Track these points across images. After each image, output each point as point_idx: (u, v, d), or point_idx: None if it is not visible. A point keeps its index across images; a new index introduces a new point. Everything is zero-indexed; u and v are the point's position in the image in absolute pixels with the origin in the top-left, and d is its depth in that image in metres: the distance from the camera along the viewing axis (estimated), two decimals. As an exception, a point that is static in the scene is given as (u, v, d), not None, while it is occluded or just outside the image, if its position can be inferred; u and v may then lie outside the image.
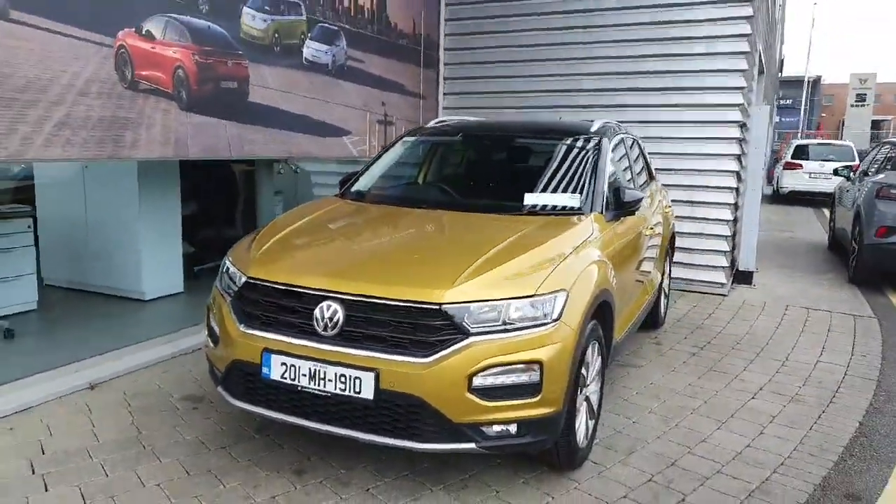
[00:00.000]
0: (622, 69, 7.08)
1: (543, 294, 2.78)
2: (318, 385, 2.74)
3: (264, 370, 2.85)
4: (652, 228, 4.51)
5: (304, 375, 2.76)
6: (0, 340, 4.60)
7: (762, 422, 3.83)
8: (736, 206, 7.31)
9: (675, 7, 6.79)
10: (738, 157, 6.95)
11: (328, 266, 3.03)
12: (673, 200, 6.88)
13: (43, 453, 3.15)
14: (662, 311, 5.65)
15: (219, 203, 7.19)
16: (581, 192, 3.72)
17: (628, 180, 4.46)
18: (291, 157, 5.84)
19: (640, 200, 3.80)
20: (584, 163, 3.92)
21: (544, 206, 3.65)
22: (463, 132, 4.53)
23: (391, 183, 4.25)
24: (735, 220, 7.37)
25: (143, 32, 4.34)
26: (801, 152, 18.23)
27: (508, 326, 2.72)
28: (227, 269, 3.21)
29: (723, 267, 7.01)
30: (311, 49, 5.91)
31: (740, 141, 7.12)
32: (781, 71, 28.96)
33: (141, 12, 4.31)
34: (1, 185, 6.60)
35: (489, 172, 4.39)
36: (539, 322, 2.75)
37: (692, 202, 6.99)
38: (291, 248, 3.26)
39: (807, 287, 7.52)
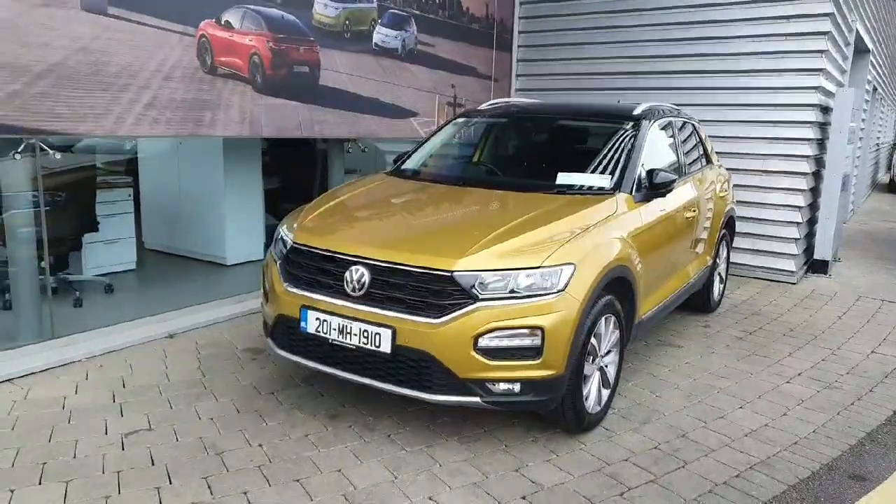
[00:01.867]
0: (695, 51, 7.00)
1: (549, 266, 3.00)
2: (346, 339, 3.10)
3: (302, 324, 3.24)
4: (695, 211, 4.56)
5: (335, 330, 3.13)
6: (102, 294, 5.28)
7: (788, 404, 3.87)
8: (814, 193, 7.11)
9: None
10: (817, 142, 6.75)
11: (360, 235, 3.37)
12: (740, 185, 6.81)
13: (123, 387, 3.70)
14: (716, 294, 5.66)
15: (300, 179, 7.73)
16: (612, 173, 3.86)
17: (672, 163, 4.53)
18: (359, 137, 6.21)
19: (672, 182, 3.90)
20: (620, 144, 4.06)
21: (575, 186, 3.83)
22: (508, 114, 4.74)
23: (436, 161, 4.53)
24: (812, 207, 7.17)
25: (223, 22, 4.82)
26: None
27: (515, 294, 2.96)
28: (279, 235, 3.62)
29: (792, 255, 6.85)
30: (381, 35, 6.26)
31: (822, 125, 6.90)
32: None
33: (221, 4, 4.78)
34: (107, 158, 7.37)
35: (529, 152, 4.60)
36: (544, 292, 2.97)
37: (760, 187, 6.85)
38: (332, 219, 3.62)
39: (890, 280, 7.20)
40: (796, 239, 6.83)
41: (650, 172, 3.88)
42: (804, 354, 4.75)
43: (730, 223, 5.69)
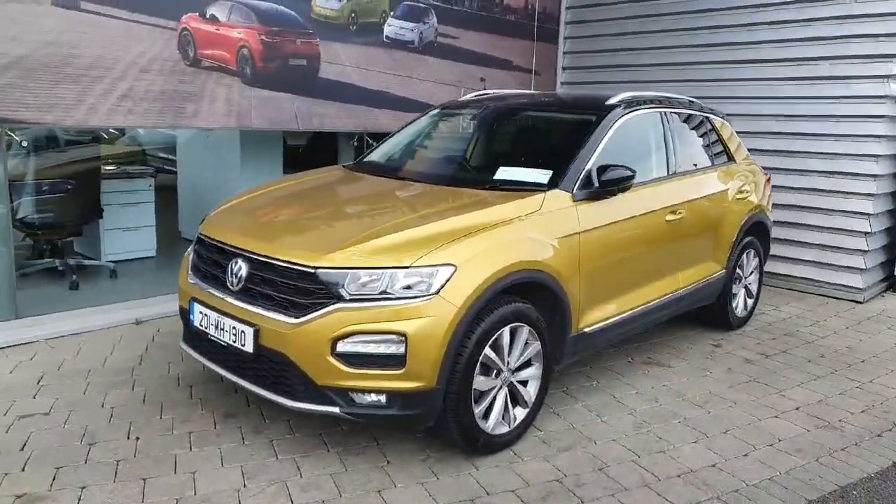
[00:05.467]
0: (750, 39, 6.26)
1: (421, 266, 2.70)
2: (220, 335, 2.96)
3: (191, 317, 3.15)
4: (681, 213, 4.00)
5: (212, 325, 3.00)
6: (105, 279, 5.51)
7: (757, 443, 3.28)
8: (893, 198, 6.15)
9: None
10: (893, 139, 5.83)
11: (248, 227, 3.22)
12: (793, 188, 6.02)
13: (58, 370, 3.78)
14: (739, 310, 4.99)
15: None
16: (555, 168, 3.45)
17: (651, 159, 4.01)
18: (367, 130, 6.08)
19: (626, 179, 3.43)
20: (573, 138, 3.62)
21: (511, 181, 3.46)
22: (482, 106, 4.41)
23: (397, 154, 4.28)
24: (892, 215, 6.20)
25: (207, 16, 4.85)
26: None
27: (387, 296, 2.69)
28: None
29: (859, 269, 5.93)
30: (394, 27, 6.08)
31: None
32: None
33: (203, -3, 4.81)
34: (132, 149, 7.74)
35: (487, 146, 4.25)
36: (413, 294, 2.68)
37: (822, 190, 6.00)
38: (240, 210, 3.49)
39: None
40: (864, 251, 5.90)
41: (601, 168, 3.43)
42: (820, 386, 4.05)
43: (758, 228, 4.98)
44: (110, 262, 5.72)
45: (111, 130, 8.48)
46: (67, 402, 3.38)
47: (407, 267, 2.69)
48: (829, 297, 6.03)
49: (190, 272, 3.30)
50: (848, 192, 5.87)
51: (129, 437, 3.06)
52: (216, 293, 3.03)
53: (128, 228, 6.04)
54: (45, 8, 4.13)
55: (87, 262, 5.63)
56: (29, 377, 3.66)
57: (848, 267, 5.98)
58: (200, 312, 3.06)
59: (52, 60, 4.15)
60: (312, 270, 2.72)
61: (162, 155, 9.13)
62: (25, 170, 5.49)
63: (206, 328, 3.03)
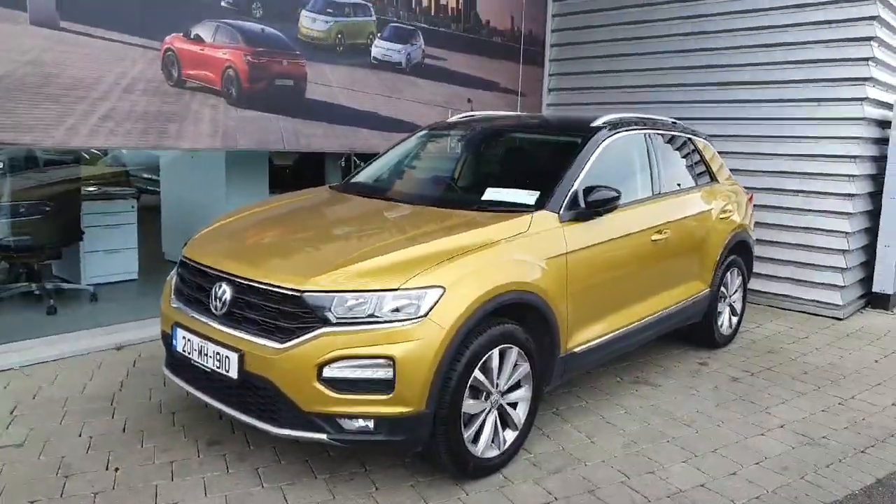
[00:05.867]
0: (730, 62, 6.36)
1: (410, 289, 2.67)
2: (203, 360, 2.91)
3: (174, 342, 3.09)
4: (665, 233, 4.02)
5: (196, 350, 2.95)
6: (85, 303, 5.41)
7: (745, 461, 3.28)
8: (872, 217, 6.25)
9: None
10: (871, 160, 5.95)
11: (232, 250, 3.17)
12: (775, 207, 6.09)
13: (33, 398, 3.68)
14: (724, 328, 5.01)
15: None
16: (542, 189, 3.45)
17: (636, 180, 4.03)
18: (355, 150, 6.07)
19: (612, 200, 3.44)
20: (559, 159, 3.64)
21: (498, 202, 3.45)
22: (468, 127, 4.43)
23: (384, 175, 4.27)
24: (868, 233, 6.29)
25: (192, 36, 4.83)
26: None
27: (374, 319, 2.66)
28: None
29: (839, 286, 6.00)
30: (381, 48, 6.10)
31: (877, 140, 6.07)
32: None
33: (189, 19, 4.79)
34: (114, 170, 7.66)
35: (474, 167, 4.26)
36: (401, 318, 2.65)
37: (800, 209, 6.08)
38: (225, 232, 3.45)
39: (965, 319, 6.16)
40: (843, 269, 5.97)
41: (587, 189, 3.44)
42: (804, 403, 4.07)
43: (741, 247, 5.03)
44: (90, 285, 5.62)
45: (93, 150, 8.40)
46: (43, 433, 3.28)
47: (395, 289, 2.67)
48: (809, 313, 6.09)
49: (173, 296, 3.24)
50: (825, 211, 5.96)
51: (107, 468, 2.98)
52: (200, 317, 2.97)
53: (109, 251, 5.95)
54: (24, 27, 4.08)
55: (65, 285, 5.53)
56: (2, 407, 3.55)
57: (827, 284, 6.05)
58: (183, 337, 3.01)
59: (32, 80, 4.10)
60: (299, 294, 2.69)
61: (144, 175, 9.06)
62: (1, 191, 5.41)
63: (189, 353, 2.98)
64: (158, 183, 7.47)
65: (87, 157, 8.31)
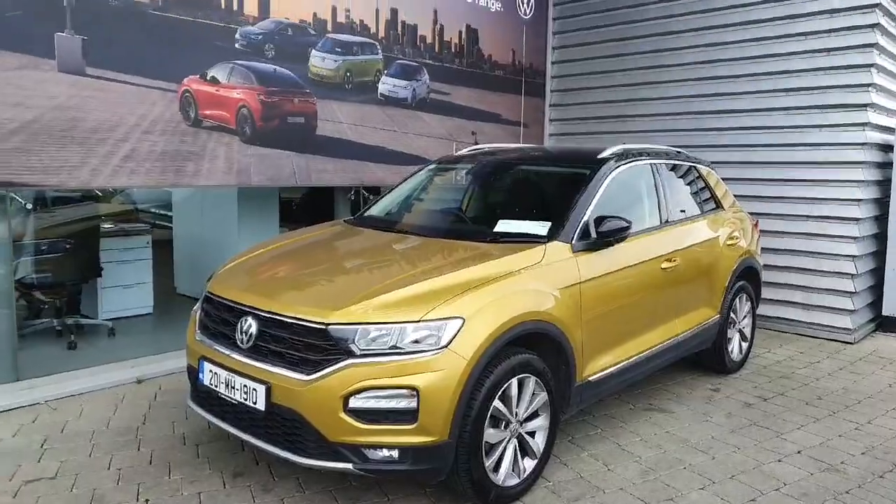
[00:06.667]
0: (733, 90, 6.51)
1: (431, 320, 2.76)
2: (231, 393, 2.98)
3: (200, 375, 3.17)
4: (675, 261, 4.11)
5: (222, 383, 3.02)
6: (103, 338, 5.49)
7: (764, 488, 3.32)
8: (879, 241, 6.33)
9: (791, 21, 6.12)
10: (876, 184, 6.06)
11: (257, 284, 3.27)
12: (783, 233, 6.18)
13: (61, 432, 3.75)
14: (735, 354, 5.07)
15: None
16: (553, 220, 3.55)
17: (644, 210, 4.13)
18: (364, 184, 6.20)
19: (623, 230, 3.54)
20: (569, 191, 3.74)
21: (511, 233, 3.55)
22: (476, 161, 4.55)
23: (396, 208, 4.38)
24: (877, 257, 6.37)
25: (208, 78, 4.98)
26: None
27: (397, 351, 2.74)
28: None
29: (848, 310, 6.06)
30: (388, 85, 6.27)
31: (880, 165, 6.19)
32: None
33: (205, 61, 4.95)
34: (127, 207, 7.80)
35: (484, 199, 4.37)
36: (424, 348, 2.73)
37: (807, 234, 6.17)
38: (247, 267, 3.55)
39: (974, 341, 6.20)
40: (852, 293, 6.04)
41: (598, 220, 3.54)
42: (819, 428, 4.10)
43: (749, 273, 5.11)
44: (108, 320, 5.71)
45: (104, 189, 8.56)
46: (73, 465, 3.35)
47: (416, 321, 2.75)
48: (819, 338, 6.14)
49: (198, 330, 3.33)
50: (833, 236, 6.05)
51: (137, 499, 3.04)
52: (225, 351, 3.06)
53: (125, 286, 6.06)
54: (52, 74, 4.24)
55: (84, 321, 5.62)
56: (32, 440, 3.63)
57: (837, 308, 6.11)
58: (210, 371, 3.09)
59: (58, 124, 4.24)
60: (324, 327, 2.77)
61: (154, 211, 9.21)
62: (24, 230, 5.53)
63: (215, 386, 3.05)
64: (166, 218, 7.61)
65: (99, 194, 8.49)
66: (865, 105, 5.81)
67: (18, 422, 3.87)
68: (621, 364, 3.72)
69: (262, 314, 2.97)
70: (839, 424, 4.17)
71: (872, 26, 5.72)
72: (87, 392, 4.32)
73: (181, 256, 7.18)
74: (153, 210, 9.53)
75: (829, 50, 5.94)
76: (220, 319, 3.20)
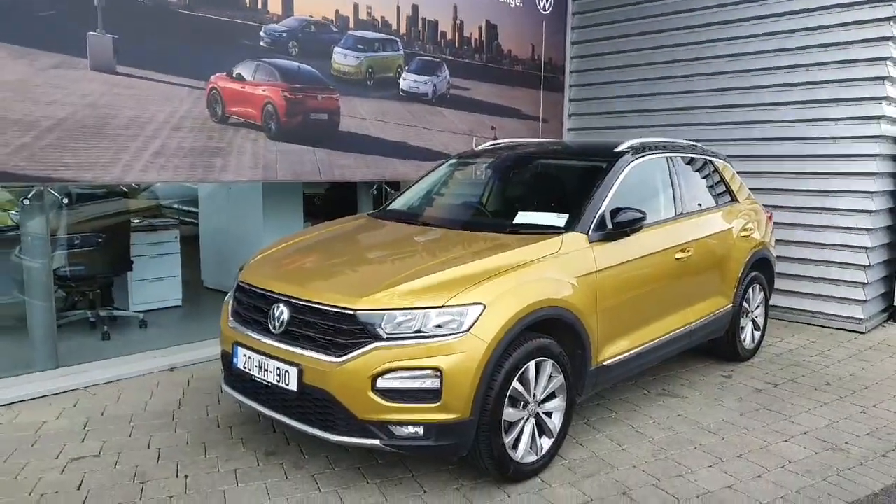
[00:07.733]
0: (750, 84, 6.59)
1: (454, 305, 2.92)
2: (264, 375, 3.17)
3: (234, 360, 3.36)
4: (688, 251, 4.24)
5: (256, 367, 3.21)
6: (135, 329, 5.72)
7: (769, 465, 3.46)
8: (890, 231, 6.41)
9: (808, 14, 6.19)
10: (890, 176, 6.13)
11: (288, 273, 3.45)
12: (797, 224, 6.28)
13: (102, 415, 3.97)
14: (747, 343, 5.19)
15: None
16: (571, 212, 3.70)
17: (660, 201, 4.26)
18: (386, 179, 6.37)
19: (638, 221, 3.68)
20: (586, 183, 3.89)
21: (530, 225, 3.70)
22: (496, 155, 4.70)
23: (418, 202, 4.54)
24: (890, 248, 6.44)
25: (234, 75, 5.17)
26: None
27: (421, 334, 2.91)
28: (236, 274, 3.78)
29: (860, 300, 6.14)
30: (409, 81, 6.42)
31: (895, 157, 6.25)
32: None
33: (232, 59, 5.14)
34: (172, 203, 8.04)
35: (504, 192, 4.52)
36: (447, 332, 2.89)
37: (820, 226, 6.26)
38: (277, 258, 3.74)
39: None
40: (864, 283, 6.12)
41: (614, 211, 3.68)
42: (826, 412, 4.22)
43: (762, 264, 5.22)
44: (139, 312, 5.93)
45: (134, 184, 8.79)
46: (115, 445, 3.56)
47: (440, 307, 2.92)
48: (831, 328, 6.23)
49: (230, 318, 3.51)
50: (846, 227, 6.13)
51: (177, 476, 3.24)
52: (258, 336, 3.24)
53: (155, 279, 6.28)
54: (84, 72, 4.44)
55: (117, 312, 5.84)
56: (75, 423, 3.85)
57: (849, 299, 6.19)
58: (244, 355, 3.28)
59: (91, 121, 4.44)
60: (352, 312, 2.95)
61: (180, 206, 9.43)
62: (59, 224, 5.76)
63: (249, 370, 3.24)
64: (191, 214, 7.82)
65: (125, 189, 8.73)
66: (881, 98, 5.87)
67: (61, 405, 4.09)
68: (635, 350, 3.86)
69: (294, 301, 3.15)
70: (846, 408, 4.29)
71: (888, 19, 5.78)
72: (123, 379, 4.54)
73: (208, 251, 7.39)
74: (176, 206, 9.77)
75: (844, 43, 6.00)
76: (253, 307, 3.38)
